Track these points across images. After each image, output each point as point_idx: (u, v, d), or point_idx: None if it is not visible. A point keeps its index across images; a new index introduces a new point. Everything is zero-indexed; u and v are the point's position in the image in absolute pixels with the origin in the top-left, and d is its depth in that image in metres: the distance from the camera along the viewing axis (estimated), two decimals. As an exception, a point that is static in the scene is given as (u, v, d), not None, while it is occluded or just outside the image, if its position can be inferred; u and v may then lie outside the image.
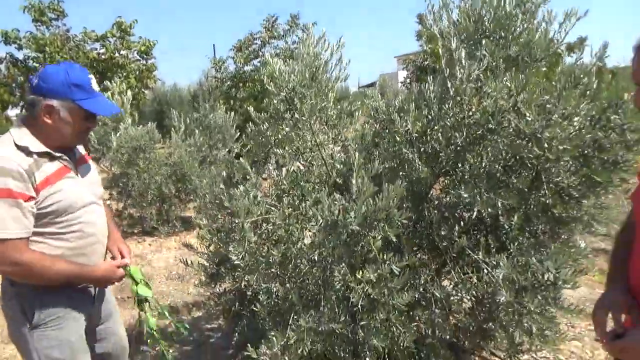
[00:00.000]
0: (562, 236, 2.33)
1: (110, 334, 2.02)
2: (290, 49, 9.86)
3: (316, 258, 1.79)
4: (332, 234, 1.70)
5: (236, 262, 1.77)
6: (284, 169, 2.13)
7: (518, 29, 2.24)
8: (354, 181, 1.79)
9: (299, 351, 1.73)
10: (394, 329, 1.96)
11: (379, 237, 1.67)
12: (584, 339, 3.19)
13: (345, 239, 1.71)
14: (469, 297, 2.21)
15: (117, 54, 10.86)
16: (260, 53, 9.93)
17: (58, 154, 1.67)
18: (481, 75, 2.10)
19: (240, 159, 2.14)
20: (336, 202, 1.73)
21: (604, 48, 2.06)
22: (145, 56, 11.58)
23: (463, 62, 2.05)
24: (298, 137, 2.24)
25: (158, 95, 17.05)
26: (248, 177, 2.03)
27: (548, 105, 1.94)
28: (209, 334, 3.46)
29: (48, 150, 1.64)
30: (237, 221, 1.74)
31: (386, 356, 2.03)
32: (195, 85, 18.06)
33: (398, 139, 1.98)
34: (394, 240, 1.80)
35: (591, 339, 3.17)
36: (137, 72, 11.35)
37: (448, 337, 2.04)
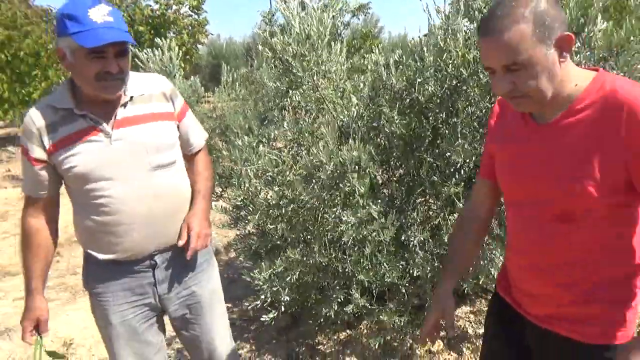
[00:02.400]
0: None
1: (195, 342, 1.73)
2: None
3: (305, 199, 2.00)
4: (311, 181, 1.90)
5: (237, 204, 2.02)
6: (285, 122, 2.31)
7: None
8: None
9: (287, 279, 1.99)
10: (380, 266, 2.18)
11: (351, 186, 1.85)
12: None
13: (321, 185, 1.91)
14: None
15: (169, 10, 11.19)
16: (305, 3, 9.88)
17: (82, 112, 1.43)
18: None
19: (247, 112, 2.34)
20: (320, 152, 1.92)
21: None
22: (196, 11, 11.84)
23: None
24: (302, 92, 2.41)
25: (214, 49, 17.43)
26: (253, 129, 2.24)
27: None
28: (241, 272, 3.85)
29: (70, 106, 1.43)
30: (235, 168, 1.97)
31: (374, 291, 2.26)
32: (249, 39, 18.24)
33: (387, 95, 2.10)
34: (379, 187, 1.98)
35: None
36: (190, 28, 11.66)
37: (433, 276, 2.22)
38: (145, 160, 1.48)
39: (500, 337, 1.39)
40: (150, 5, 11.40)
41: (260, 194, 2.20)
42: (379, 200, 2.01)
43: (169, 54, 6.96)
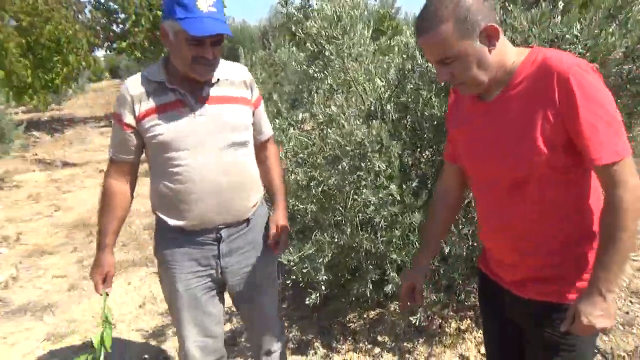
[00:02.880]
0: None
1: (249, 315, 1.86)
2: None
3: (332, 181, 2.05)
4: (337, 162, 1.95)
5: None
6: (314, 105, 2.35)
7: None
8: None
9: (320, 261, 2.05)
10: (412, 245, 2.23)
11: (373, 166, 1.89)
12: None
13: (345, 167, 1.96)
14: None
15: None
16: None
17: (172, 86, 1.54)
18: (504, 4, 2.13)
19: (274, 96, 2.39)
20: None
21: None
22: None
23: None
24: (333, 73, 2.44)
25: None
26: (282, 112, 2.29)
27: (568, 36, 1.96)
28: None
29: (162, 80, 1.54)
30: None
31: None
32: (265, 21, 18.12)
33: (417, 78, 2.12)
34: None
35: (634, 269, 3.23)
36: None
37: (465, 254, 2.26)
38: (223, 136, 1.58)
39: (486, 311, 1.51)
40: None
41: (291, 175, 2.26)
42: (410, 181, 2.04)
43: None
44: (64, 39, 10.48)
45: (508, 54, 1.17)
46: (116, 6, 11.43)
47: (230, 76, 1.65)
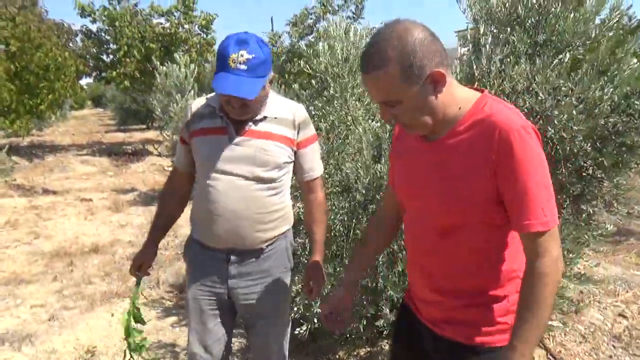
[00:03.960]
0: (584, 214, 2.48)
1: (252, 343, 1.91)
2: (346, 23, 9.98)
3: (339, 214, 2.09)
4: (346, 197, 1.99)
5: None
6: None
7: (552, 18, 2.37)
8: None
9: (322, 293, 2.06)
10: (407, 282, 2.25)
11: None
12: (607, 313, 3.32)
13: (356, 202, 1.99)
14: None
15: (180, 29, 11.42)
16: (315, 28, 10.12)
17: (221, 113, 1.66)
18: (506, 59, 2.27)
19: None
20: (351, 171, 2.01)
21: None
22: (205, 30, 12.09)
23: (487, 47, 2.24)
24: (334, 111, 2.52)
25: (217, 68, 17.67)
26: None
27: (564, 88, 2.10)
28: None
29: (215, 106, 1.67)
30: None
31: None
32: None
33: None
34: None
35: (614, 314, 3.31)
36: (198, 46, 11.89)
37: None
38: (250, 169, 1.65)
39: (402, 340, 1.48)
40: (162, 23, 11.62)
41: (293, 207, 2.29)
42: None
43: (184, 71, 7.14)
44: (53, 65, 10.48)
45: (455, 99, 1.14)
46: (108, 37, 11.55)
47: (281, 114, 1.70)
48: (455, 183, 1.13)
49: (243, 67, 1.52)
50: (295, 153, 1.74)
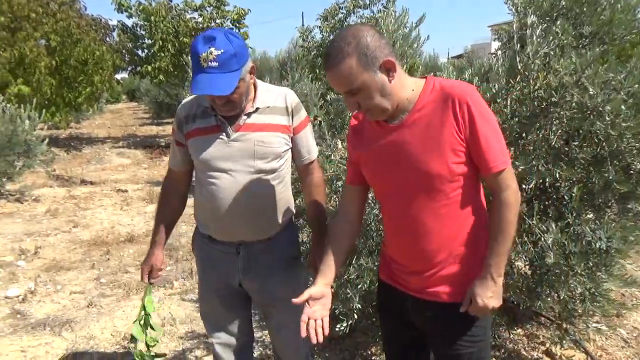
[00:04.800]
0: (630, 214, 2.37)
1: (274, 325, 1.90)
2: (376, 17, 9.87)
3: (377, 212, 2.06)
4: None
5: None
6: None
7: (599, 7, 2.27)
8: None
9: (359, 286, 2.04)
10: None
11: None
12: (650, 316, 3.18)
13: None
14: (524, 260, 2.38)
15: (212, 23, 11.55)
16: (346, 22, 10.04)
17: (214, 112, 1.65)
18: (551, 52, 2.19)
19: (321, 123, 2.43)
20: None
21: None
22: (237, 24, 12.18)
23: (533, 38, 2.16)
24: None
25: (249, 63, 17.75)
26: (324, 139, 2.33)
27: (613, 82, 2.00)
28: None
29: (207, 105, 1.66)
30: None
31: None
32: (284, 53, 18.54)
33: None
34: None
35: (658, 319, 3.17)
36: (230, 41, 11.98)
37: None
38: (251, 163, 1.67)
39: (386, 317, 1.63)
40: (195, 18, 11.77)
41: (331, 200, 2.27)
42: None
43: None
44: (91, 60, 10.80)
45: (407, 84, 1.34)
46: (143, 32, 11.79)
47: (273, 102, 1.70)
48: (428, 146, 1.30)
49: (214, 64, 1.50)
50: (291, 139, 1.75)
